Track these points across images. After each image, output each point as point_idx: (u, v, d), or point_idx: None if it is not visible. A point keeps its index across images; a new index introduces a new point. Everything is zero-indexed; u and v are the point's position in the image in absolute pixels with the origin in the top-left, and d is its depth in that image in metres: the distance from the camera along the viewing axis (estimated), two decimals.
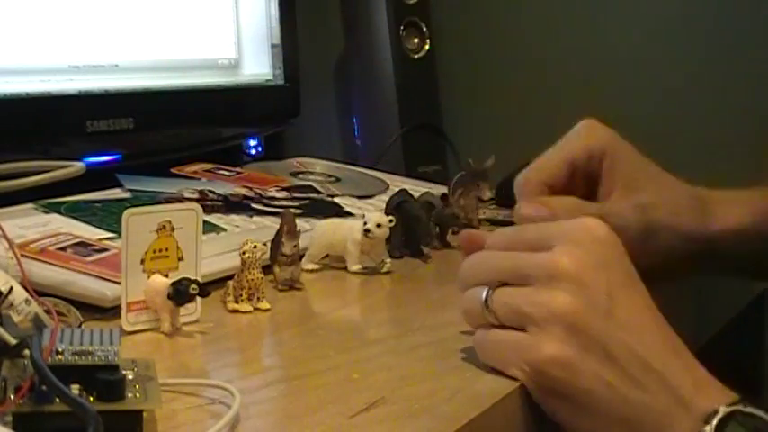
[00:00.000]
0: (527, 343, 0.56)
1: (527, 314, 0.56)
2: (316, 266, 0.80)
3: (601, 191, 0.74)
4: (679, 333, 0.57)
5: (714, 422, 0.53)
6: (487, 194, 0.93)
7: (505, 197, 0.91)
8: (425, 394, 0.55)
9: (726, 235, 0.75)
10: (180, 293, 0.62)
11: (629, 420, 0.55)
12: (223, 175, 1.03)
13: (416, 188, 0.96)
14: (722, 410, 0.53)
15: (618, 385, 0.55)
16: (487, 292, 0.59)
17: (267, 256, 0.72)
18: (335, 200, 0.97)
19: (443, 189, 0.94)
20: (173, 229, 0.64)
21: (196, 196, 0.90)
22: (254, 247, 0.69)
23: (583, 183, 0.74)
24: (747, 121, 1.21)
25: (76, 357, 0.47)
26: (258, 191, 0.95)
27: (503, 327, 0.58)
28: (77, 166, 0.77)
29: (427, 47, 1.32)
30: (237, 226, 0.85)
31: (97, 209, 0.86)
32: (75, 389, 0.46)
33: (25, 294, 0.54)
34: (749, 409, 0.54)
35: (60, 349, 0.47)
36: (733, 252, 0.75)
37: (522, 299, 0.57)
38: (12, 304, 0.54)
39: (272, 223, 0.84)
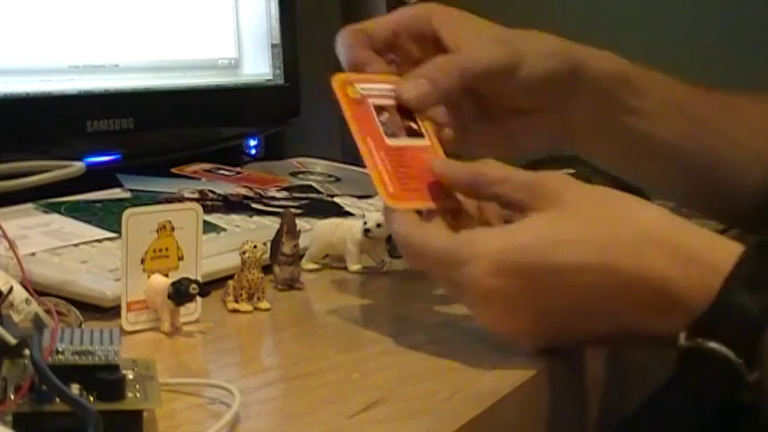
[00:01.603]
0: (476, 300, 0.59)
1: (462, 275, 0.58)
2: (316, 266, 0.80)
3: (445, 43, 0.71)
4: None
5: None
6: None
7: None
8: (425, 394, 0.55)
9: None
10: (180, 293, 0.62)
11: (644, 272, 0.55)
12: (223, 175, 1.03)
13: None
14: (682, 342, 0.54)
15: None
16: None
17: (267, 256, 0.72)
18: (335, 200, 0.97)
19: None
20: (173, 229, 0.64)
21: (196, 196, 0.90)
22: (254, 247, 0.69)
23: (414, 45, 0.72)
24: None
25: (77, 357, 0.47)
26: (258, 191, 0.95)
27: None
28: (77, 166, 0.76)
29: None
30: (237, 226, 0.85)
31: (97, 209, 0.86)
32: (75, 389, 0.46)
33: (25, 294, 0.54)
34: (710, 345, 0.53)
35: (60, 349, 0.47)
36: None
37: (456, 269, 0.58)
38: (12, 304, 0.54)
39: (272, 223, 0.84)
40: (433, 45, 0.71)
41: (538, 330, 0.58)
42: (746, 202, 0.77)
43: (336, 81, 0.67)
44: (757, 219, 0.79)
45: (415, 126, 0.68)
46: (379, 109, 0.67)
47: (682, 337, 0.54)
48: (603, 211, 0.57)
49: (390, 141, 0.66)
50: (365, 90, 0.67)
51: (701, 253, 0.55)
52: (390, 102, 0.68)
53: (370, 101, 0.67)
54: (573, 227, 0.56)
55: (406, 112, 0.68)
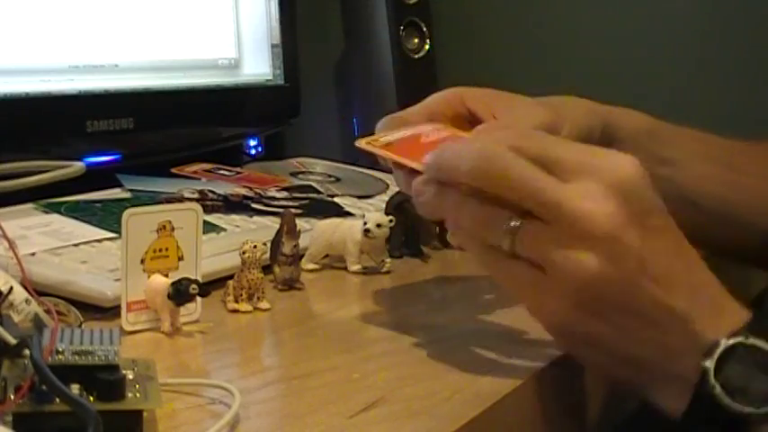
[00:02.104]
0: (547, 287, 0.54)
1: (553, 263, 0.54)
2: (316, 266, 0.80)
3: (483, 118, 0.70)
4: None
5: (715, 356, 0.53)
6: None
7: None
8: (425, 394, 0.55)
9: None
10: (180, 293, 0.62)
11: (638, 357, 0.55)
12: (223, 175, 1.03)
13: None
14: (723, 344, 0.53)
15: (636, 330, 0.54)
16: (514, 223, 0.54)
17: (267, 256, 0.72)
18: (335, 200, 0.97)
19: None
20: (173, 229, 0.64)
21: (196, 196, 0.90)
22: (254, 247, 0.69)
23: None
24: (746, 123, 1.21)
25: (76, 357, 0.47)
26: (258, 191, 0.95)
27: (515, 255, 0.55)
28: (77, 166, 0.77)
29: (427, 47, 1.32)
30: (237, 226, 0.85)
31: (97, 209, 0.86)
32: (75, 389, 0.46)
33: (25, 294, 0.54)
34: (752, 341, 0.53)
35: (60, 349, 0.47)
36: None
37: (552, 245, 0.54)
38: (12, 304, 0.54)
39: (272, 223, 0.84)
40: (470, 125, 0.70)
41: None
42: None
43: (360, 142, 0.67)
44: None
45: None
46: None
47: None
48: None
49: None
50: (389, 137, 0.67)
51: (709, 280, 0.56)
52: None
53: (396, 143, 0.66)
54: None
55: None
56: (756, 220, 0.76)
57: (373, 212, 0.81)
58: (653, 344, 0.54)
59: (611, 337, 0.55)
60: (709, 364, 0.53)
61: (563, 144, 0.57)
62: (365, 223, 0.78)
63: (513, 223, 0.55)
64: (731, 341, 0.53)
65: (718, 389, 0.52)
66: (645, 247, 0.53)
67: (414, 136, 0.66)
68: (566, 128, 0.69)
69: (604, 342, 0.55)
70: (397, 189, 0.91)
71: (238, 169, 1.06)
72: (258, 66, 1.16)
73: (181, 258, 0.64)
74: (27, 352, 0.46)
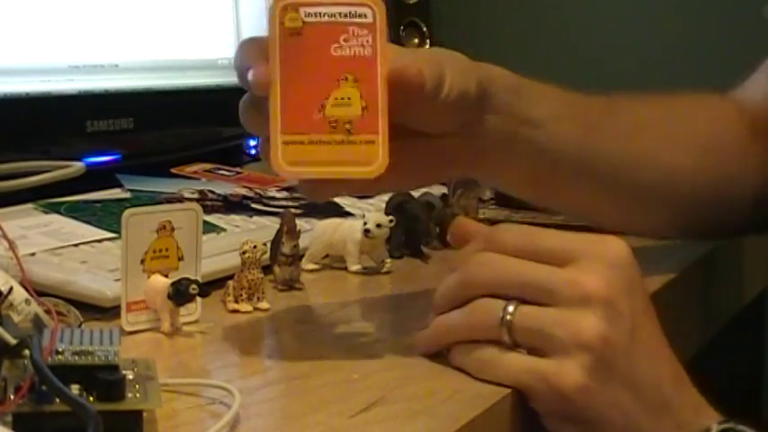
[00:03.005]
0: (551, 370, 0.54)
1: (553, 338, 0.54)
2: (316, 266, 0.80)
3: None
4: (684, 336, 0.58)
5: None
6: (488, 194, 0.93)
7: (506, 197, 0.91)
8: (425, 394, 0.55)
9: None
10: (180, 293, 0.62)
11: None
12: (223, 175, 1.03)
13: None
14: (715, 428, 0.54)
15: (634, 413, 0.54)
16: (506, 309, 0.55)
17: (267, 256, 0.72)
18: (335, 200, 0.97)
19: (443, 189, 0.94)
20: (173, 229, 0.64)
21: (196, 196, 0.90)
22: (254, 247, 0.69)
23: None
24: None
25: (76, 357, 0.47)
26: (258, 191, 0.95)
27: (515, 346, 0.56)
28: (77, 166, 0.77)
29: (427, 47, 1.31)
30: (237, 226, 0.85)
31: (97, 209, 0.86)
32: (75, 389, 0.46)
33: (25, 294, 0.54)
34: (741, 428, 0.54)
35: (60, 349, 0.47)
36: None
37: (548, 320, 0.54)
38: (12, 304, 0.54)
39: (272, 223, 0.84)
40: None
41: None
42: (651, 207, 0.77)
43: (277, 4, 0.58)
44: (657, 219, 0.79)
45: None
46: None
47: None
48: None
49: None
50: (310, 17, 0.59)
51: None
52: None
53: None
54: None
55: None
56: (610, 183, 0.75)
57: (373, 212, 0.81)
58: (646, 428, 0.55)
59: (613, 418, 0.54)
60: None
61: (548, 235, 0.57)
62: (365, 223, 0.78)
63: (509, 310, 0.55)
64: (722, 426, 0.54)
65: None
66: (635, 320, 0.55)
67: (329, 33, 0.58)
68: (446, 85, 0.63)
69: (608, 427, 0.54)
70: None
71: (238, 169, 1.06)
72: None
73: (181, 258, 0.64)
74: (27, 352, 0.46)
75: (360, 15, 0.58)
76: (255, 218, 0.89)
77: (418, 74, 0.60)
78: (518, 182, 0.74)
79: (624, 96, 0.78)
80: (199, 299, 0.64)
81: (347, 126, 0.57)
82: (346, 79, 0.58)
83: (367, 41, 0.58)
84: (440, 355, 0.61)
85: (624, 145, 0.75)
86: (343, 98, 0.58)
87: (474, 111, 0.66)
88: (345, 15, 0.58)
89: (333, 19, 0.58)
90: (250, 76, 0.59)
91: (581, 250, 0.56)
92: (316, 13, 0.58)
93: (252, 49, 0.61)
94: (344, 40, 0.58)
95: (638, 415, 0.54)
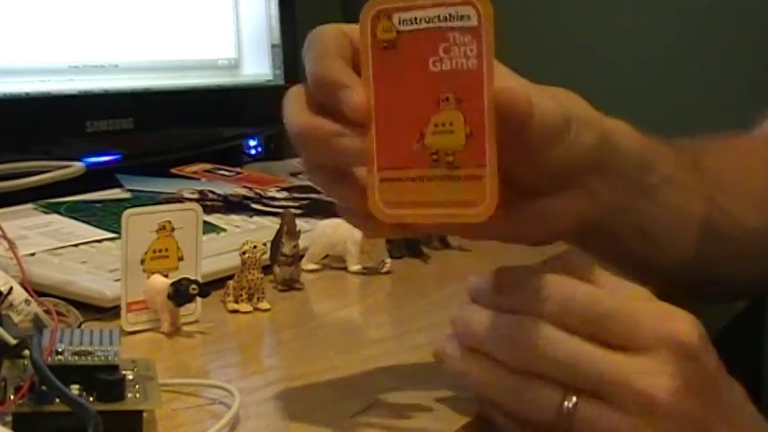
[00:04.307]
0: None
1: None
2: (316, 266, 0.80)
3: None
4: None
5: None
6: None
7: None
8: (425, 394, 0.55)
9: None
10: (180, 293, 0.62)
11: None
12: (223, 175, 1.03)
13: None
14: None
15: None
16: (567, 404, 0.48)
17: (267, 256, 0.72)
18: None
19: None
20: (173, 229, 0.64)
21: (196, 196, 0.90)
22: (254, 247, 0.69)
23: None
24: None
25: (76, 357, 0.47)
26: (258, 191, 0.95)
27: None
28: (77, 166, 0.77)
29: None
30: (237, 226, 0.85)
31: (97, 209, 0.86)
32: (75, 389, 0.46)
33: (25, 294, 0.54)
34: None
35: (60, 349, 0.47)
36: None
37: (610, 425, 0.48)
38: (12, 304, 0.54)
39: (272, 223, 0.84)
40: None
41: None
42: (725, 263, 0.69)
43: (367, 12, 0.51)
44: (734, 278, 0.71)
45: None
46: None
47: None
48: None
49: None
50: (406, 24, 0.49)
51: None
52: None
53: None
54: None
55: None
56: (743, 244, 0.68)
57: None
58: None
59: None
60: None
61: (615, 308, 0.49)
62: None
63: (567, 404, 0.48)
64: None
65: None
66: (709, 415, 0.49)
67: (428, 43, 0.48)
68: (572, 131, 0.53)
69: None
70: None
71: (238, 169, 1.06)
72: (258, 66, 1.16)
73: (181, 258, 0.64)
74: (27, 352, 0.46)
75: (462, 17, 0.48)
76: (255, 218, 0.89)
77: (527, 102, 0.49)
78: (631, 256, 0.63)
79: (700, 146, 0.70)
80: (199, 299, 0.64)
81: (448, 159, 0.48)
82: (447, 100, 0.48)
83: (471, 50, 0.48)
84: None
85: (711, 208, 0.66)
86: (444, 124, 0.48)
87: (592, 168, 0.56)
88: (446, 18, 0.48)
89: (431, 24, 0.49)
90: (347, 98, 0.48)
91: (651, 334, 0.48)
92: (412, 20, 0.49)
93: (339, 66, 0.50)
94: (444, 51, 0.48)
95: None
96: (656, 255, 0.65)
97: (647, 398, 0.47)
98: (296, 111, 0.51)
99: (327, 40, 0.52)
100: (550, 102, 0.52)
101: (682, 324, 0.49)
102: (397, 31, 0.49)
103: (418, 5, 0.49)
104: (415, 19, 0.49)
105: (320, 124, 0.49)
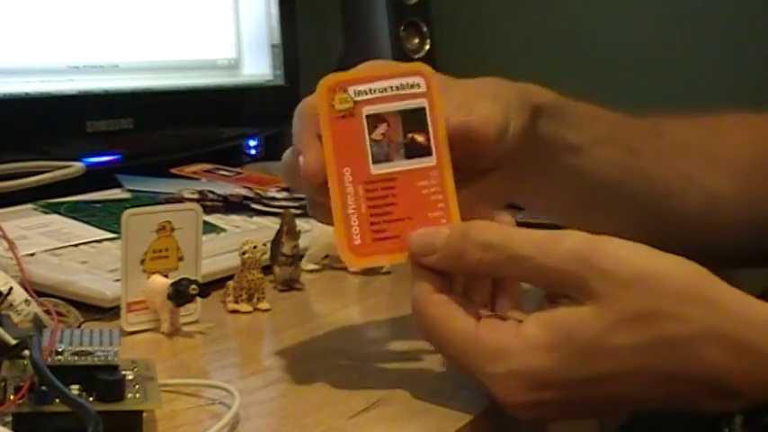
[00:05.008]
0: None
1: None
2: (316, 266, 0.80)
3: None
4: None
5: None
6: None
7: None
8: (425, 394, 0.55)
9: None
10: (180, 293, 0.62)
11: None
12: (223, 175, 1.03)
13: None
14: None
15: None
16: None
17: (267, 256, 0.72)
18: None
19: None
20: (173, 230, 0.64)
21: (196, 196, 0.90)
22: (254, 247, 0.69)
23: None
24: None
25: (76, 358, 0.47)
26: (258, 191, 0.95)
27: None
28: (77, 167, 0.77)
29: (427, 47, 1.32)
30: (237, 226, 0.85)
31: (97, 209, 0.86)
32: (75, 389, 0.46)
33: (25, 295, 0.54)
34: None
35: (60, 350, 0.47)
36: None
37: None
38: (12, 304, 0.54)
39: (272, 223, 0.84)
40: None
41: (582, 416, 0.57)
42: (692, 233, 0.73)
43: (322, 88, 0.56)
44: (698, 246, 0.76)
45: (421, 138, 0.55)
46: (376, 120, 0.55)
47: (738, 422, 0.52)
48: (640, 302, 0.50)
49: (378, 169, 0.54)
50: (361, 95, 0.55)
51: (756, 346, 0.50)
52: (395, 105, 0.55)
53: (366, 110, 0.55)
54: (608, 332, 0.50)
55: (414, 118, 0.55)
56: (652, 208, 0.73)
57: None
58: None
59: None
60: None
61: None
62: None
63: None
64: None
65: None
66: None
67: (375, 120, 0.55)
68: (513, 125, 0.60)
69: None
70: None
71: (238, 169, 1.06)
72: (258, 66, 1.16)
73: (181, 259, 0.64)
74: (27, 352, 0.46)
75: (412, 86, 0.56)
76: (255, 218, 0.89)
77: (484, 127, 0.57)
78: (559, 206, 0.73)
79: (667, 118, 0.76)
80: (199, 299, 0.64)
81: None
82: None
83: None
84: (440, 356, 0.61)
85: (666, 169, 0.73)
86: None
87: (522, 143, 0.62)
88: (397, 88, 0.55)
89: (385, 94, 0.55)
90: (301, 161, 0.55)
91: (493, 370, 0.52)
92: (366, 91, 0.55)
93: (301, 135, 0.57)
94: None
95: None
96: (613, 215, 0.72)
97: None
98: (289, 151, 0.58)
99: (303, 111, 0.58)
100: (494, 109, 0.59)
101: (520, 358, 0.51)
102: (354, 102, 0.55)
103: (371, 77, 0.55)
104: (370, 90, 0.55)
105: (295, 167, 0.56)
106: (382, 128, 0.55)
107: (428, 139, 0.55)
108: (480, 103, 0.58)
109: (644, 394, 0.51)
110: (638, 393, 0.51)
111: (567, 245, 0.51)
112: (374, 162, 0.54)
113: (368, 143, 0.54)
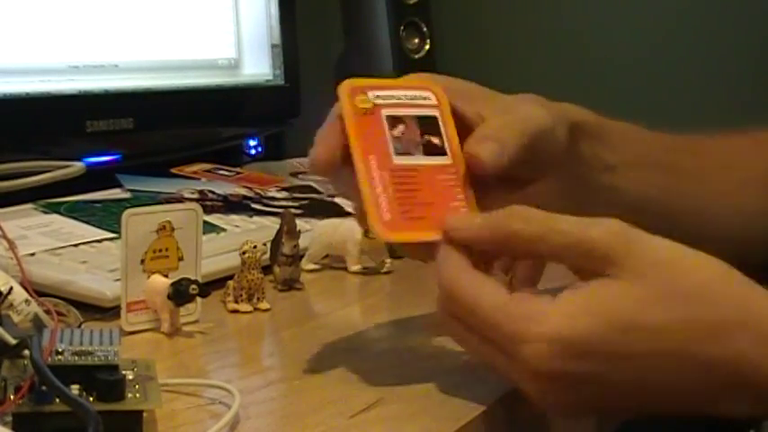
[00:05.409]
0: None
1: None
2: (316, 266, 0.80)
3: (466, 115, 0.62)
4: None
5: None
6: None
7: None
8: (425, 394, 0.55)
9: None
10: (180, 293, 0.62)
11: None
12: (223, 175, 1.03)
13: None
14: None
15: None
16: None
17: (267, 256, 0.72)
18: (335, 200, 0.97)
19: None
20: (173, 230, 0.64)
21: (196, 196, 0.90)
22: (254, 247, 0.69)
23: None
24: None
25: (76, 357, 0.47)
26: (258, 191, 0.95)
27: None
28: (77, 166, 0.77)
29: (427, 47, 1.32)
30: (237, 226, 0.85)
31: (97, 209, 0.86)
32: (75, 389, 0.46)
33: (25, 294, 0.54)
34: None
35: (60, 349, 0.47)
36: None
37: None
38: (12, 304, 0.54)
39: (272, 223, 0.84)
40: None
41: (599, 409, 0.55)
42: (723, 245, 0.75)
43: (344, 88, 0.58)
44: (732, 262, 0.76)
45: (436, 141, 0.58)
46: (394, 120, 0.58)
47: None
48: (674, 283, 0.51)
49: (399, 160, 0.57)
50: (379, 99, 0.58)
51: None
52: (410, 111, 0.59)
53: (384, 111, 0.58)
54: (643, 307, 0.50)
55: (428, 124, 0.59)
56: (690, 225, 0.72)
57: None
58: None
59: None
60: None
61: (492, 313, 0.53)
62: None
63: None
64: None
65: None
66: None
67: (393, 120, 0.58)
68: (558, 131, 0.62)
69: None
70: None
71: (238, 169, 1.06)
72: (258, 66, 1.16)
73: (181, 259, 0.64)
74: (27, 352, 0.46)
75: (424, 98, 0.60)
76: (255, 218, 0.89)
77: (476, 160, 0.58)
78: None
79: (707, 136, 0.76)
80: (199, 299, 0.64)
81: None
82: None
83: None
84: (440, 356, 0.61)
85: (703, 186, 0.73)
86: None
87: (564, 155, 0.64)
88: (410, 98, 0.59)
89: (399, 101, 0.59)
90: (310, 153, 0.58)
91: (521, 338, 0.51)
92: (384, 96, 0.59)
93: (321, 128, 0.60)
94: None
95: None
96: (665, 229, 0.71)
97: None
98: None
99: (329, 115, 0.60)
100: (538, 110, 0.61)
101: (533, 342, 0.51)
102: (374, 104, 0.58)
103: (387, 85, 0.59)
104: (386, 96, 0.59)
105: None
106: (400, 128, 0.58)
107: (443, 143, 0.59)
108: (524, 106, 0.61)
109: (670, 381, 0.51)
110: (665, 378, 0.51)
111: (606, 225, 0.52)
112: (396, 154, 0.57)
113: (389, 137, 0.57)
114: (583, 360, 0.50)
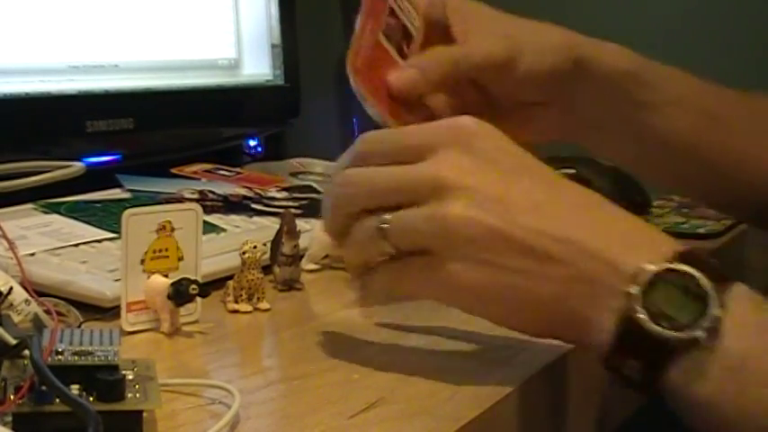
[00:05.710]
0: (435, 265, 0.54)
1: (427, 235, 0.54)
2: (316, 266, 0.80)
3: (453, 33, 0.71)
4: None
5: (641, 282, 0.50)
6: None
7: None
8: (425, 394, 0.55)
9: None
10: (180, 293, 0.62)
11: (556, 298, 0.53)
12: (223, 175, 1.03)
13: None
14: (648, 269, 0.51)
15: (535, 269, 0.53)
16: (382, 219, 0.55)
17: (267, 256, 0.72)
18: None
19: None
20: (173, 230, 0.64)
21: (196, 196, 0.90)
22: (254, 247, 0.69)
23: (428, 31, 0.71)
24: None
25: (76, 358, 0.47)
26: (258, 191, 0.95)
27: (400, 255, 0.56)
28: (77, 167, 0.77)
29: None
30: (237, 226, 0.85)
31: (97, 209, 0.86)
32: (75, 389, 0.46)
33: (25, 294, 0.54)
34: (681, 267, 0.51)
35: (60, 349, 0.47)
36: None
37: (418, 221, 0.54)
38: (12, 304, 0.54)
39: (272, 223, 0.84)
40: (444, 33, 0.70)
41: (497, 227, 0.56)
42: (760, 199, 0.77)
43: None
44: (753, 216, 0.79)
45: (405, 49, 0.67)
46: (392, 13, 0.66)
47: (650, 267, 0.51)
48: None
49: (382, 40, 0.65)
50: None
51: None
52: (402, 19, 0.67)
53: (391, 1, 0.66)
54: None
55: (408, 33, 0.67)
56: (715, 173, 0.76)
57: None
58: (565, 281, 0.52)
59: (519, 285, 0.53)
60: (635, 290, 0.50)
61: (403, 134, 0.58)
62: None
63: (385, 218, 0.55)
64: (657, 267, 0.51)
65: (644, 315, 0.50)
66: (509, 190, 0.54)
67: (391, 12, 0.67)
68: (523, 63, 0.70)
69: (514, 292, 0.53)
70: None
71: (238, 169, 1.06)
72: (258, 66, 1.16)
73: (181, 259, 0.64)
74: (27, 352, 0.46)
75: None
76: (255, 218, 0.89)
77: (389, 83, 0.65)
78: (621, 155, 0.78)
79: (763, 94, 0.78)
80: (199, 299, 0.64)
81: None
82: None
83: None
84: (440, 356, 0.61)
85: (745, 139, 0.76)
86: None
87: (567, 85, 0.71)
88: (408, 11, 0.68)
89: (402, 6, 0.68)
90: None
91: (436, 141, 0.55)
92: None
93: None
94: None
95: (541, 268, 0.53)
96: (678, 177, 0.77)
97: (436, 181, 0.54)
98: None
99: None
100: (495, 44, 0.70)
101: (460, 121, 0.56)
102: None
103: None
104: None
105: None
106: (392, 20, 0.66)
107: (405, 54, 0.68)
108: (478, 37, 0.70)
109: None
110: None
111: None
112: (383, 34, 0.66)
113: (383, 18, 0.66)
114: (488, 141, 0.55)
